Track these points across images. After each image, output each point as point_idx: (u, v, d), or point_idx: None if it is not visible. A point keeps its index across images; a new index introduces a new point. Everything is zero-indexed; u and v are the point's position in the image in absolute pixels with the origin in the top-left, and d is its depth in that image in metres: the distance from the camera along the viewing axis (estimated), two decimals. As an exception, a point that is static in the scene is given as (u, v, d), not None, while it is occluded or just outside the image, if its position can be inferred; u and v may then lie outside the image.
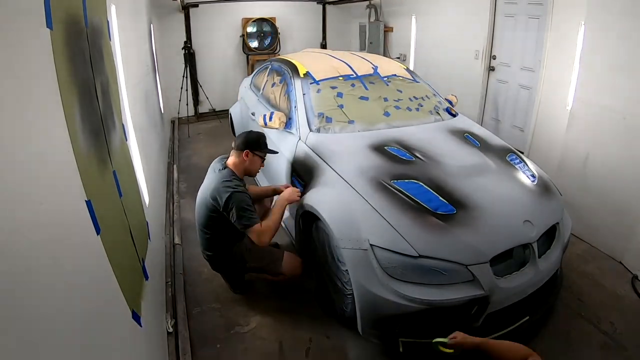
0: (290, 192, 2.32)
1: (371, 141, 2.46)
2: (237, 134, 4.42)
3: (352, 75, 3.01)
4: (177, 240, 2.89)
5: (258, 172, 2.41)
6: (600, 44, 2.73)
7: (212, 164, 2.39)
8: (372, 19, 6.20)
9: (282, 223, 2.96)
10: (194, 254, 2.87)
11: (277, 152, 2.48)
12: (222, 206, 2.10)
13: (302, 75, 2.99)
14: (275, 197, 2.93)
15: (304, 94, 2.86)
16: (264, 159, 2.37)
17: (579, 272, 2.65)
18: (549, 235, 2.13)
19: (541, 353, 1.99)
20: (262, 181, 3.39)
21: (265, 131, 3.01)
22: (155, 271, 2.07)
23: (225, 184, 2.13)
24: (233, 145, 2.30)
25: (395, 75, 3.14)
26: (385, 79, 3.07)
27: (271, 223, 2.15)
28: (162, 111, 4.96)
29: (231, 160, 2.27)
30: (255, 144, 2.27)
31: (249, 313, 2.33)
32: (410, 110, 2.88)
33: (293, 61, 3.26)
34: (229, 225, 2.16)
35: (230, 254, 2.29)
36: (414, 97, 3.00)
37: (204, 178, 2.35)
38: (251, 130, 2.42)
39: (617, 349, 2.04)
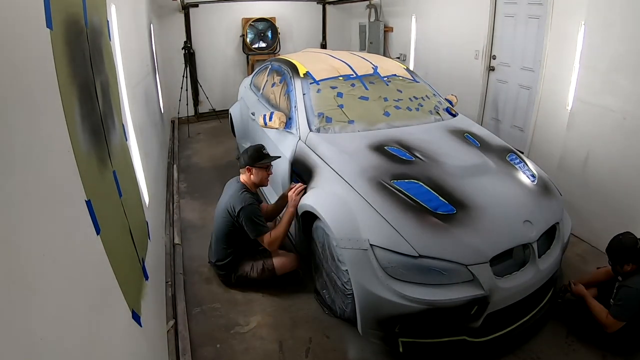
0: (290, 199, 2.38)
1: (371, 141, 2.45)
2: (237, 134, 4.43)
3: (352, 75, 3.01)
4: (177, 240, 2.89)
5: (268, 180, 2.58)
6: (601, 44, 2.73)
7: (228, 182, 2.62)
8: (372, 19, 6.20)
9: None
10: (194, 254, 2.87)
11: (278, 157, 2.58)
12: (235, 216, 2.36)
13: (302, 75, 2.99)
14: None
15: (304, 94, 2.86)
16: (269, 168, 2.52)
17: (579, 272, 2.65)
18: (549, 235, 2.13)
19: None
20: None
21: (265, 131, 3.01)
22: (155, 271, 2.07)
23: (238, 196, 2.39)
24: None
25: (395, 75, 3.14)
26: (385, 78, 3.06)
27: (279, 233, 2.37)
28: (162, 111, 4.96)
29: (241, 177, 2.52)
30: (253, 159, 2.45)
31: (249, 313, 2.33)
32: (410, 110, 2.88)
33: (293, 61, 3.26)
34: (247, 238, 2.40)
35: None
36: (414, 97, 3.00)
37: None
38: (249, 146, 2.59)
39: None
